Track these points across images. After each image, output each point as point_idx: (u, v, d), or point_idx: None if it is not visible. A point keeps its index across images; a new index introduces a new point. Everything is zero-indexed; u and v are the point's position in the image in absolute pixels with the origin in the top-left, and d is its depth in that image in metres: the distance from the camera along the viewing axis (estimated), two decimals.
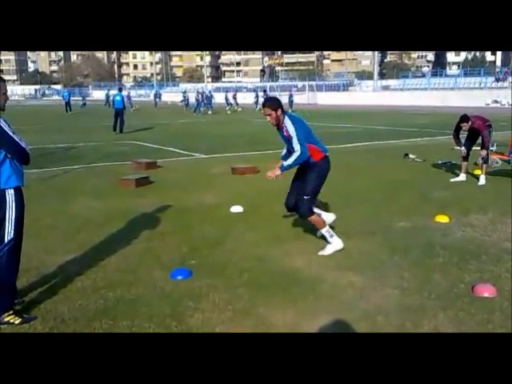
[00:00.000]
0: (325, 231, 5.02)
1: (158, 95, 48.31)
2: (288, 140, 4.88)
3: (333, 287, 4.19)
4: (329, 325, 3.51)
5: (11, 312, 3.59)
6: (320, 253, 4.97)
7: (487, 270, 4.50)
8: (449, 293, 4.03)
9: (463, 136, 8.94)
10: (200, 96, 35.29)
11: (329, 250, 5.00)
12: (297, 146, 4.75)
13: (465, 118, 8.50)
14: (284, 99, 39.75)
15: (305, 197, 4.90)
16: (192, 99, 38.19)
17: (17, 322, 3.56)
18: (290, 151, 4.91)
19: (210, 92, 38.76)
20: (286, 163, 4.84)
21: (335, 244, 5.01)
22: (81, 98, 47.18)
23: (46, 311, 3.76)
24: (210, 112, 34.21)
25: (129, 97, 38.06)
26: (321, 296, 4.01)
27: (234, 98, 38.92)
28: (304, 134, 4.82)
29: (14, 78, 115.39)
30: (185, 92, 42.42)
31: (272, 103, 4.85)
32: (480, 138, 8.68)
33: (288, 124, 4.80)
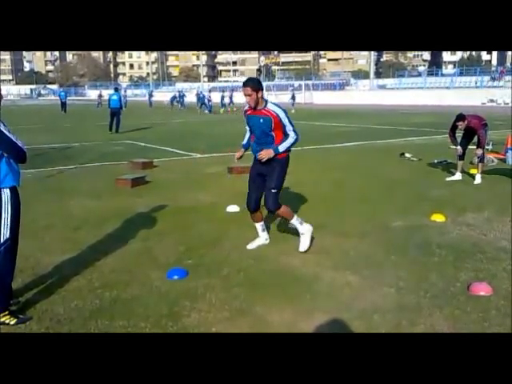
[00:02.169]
0: (295, 220, 4.97)
1: (151, 95, 48.17)
2: (262, 128, 4.72)
3: (329, 286, 4.20)
4: (325, 324, 3.51)
5: (7, 312, 3.58)
6: (301, 249, 4.91)
7: (483, 269, 4.51)
8: (445, 291, 4.04)
9: (459, 135, 8.96)
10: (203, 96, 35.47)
11: (307, 241, 4.95)
12: (292, 133, 4.71)
13: (461, 117, 8.52)
14: (285, 98, 39.16)
15: (273, 190, 4.80)
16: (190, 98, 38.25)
17: (12, 322, 3.55)
18: (260, 139, 4.81)
19: (201, 92, 38.83)
20: (281, 146, 4.70)
21: (307, 231, 4.97)
22: (97, 98, 46.31)
23: (41, 311, 3.75)
24: (206, 111, 34.49)
25: (124, 96, 38.05)
26: (317, 295, 4.01)
27: (230, 97, 38.86)
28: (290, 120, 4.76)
29: (10, 77, 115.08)
30: (181, 91, 42.58)
31: (254, 83, 4.67)
32: (476, 136, 8.71)
33: (277, 110, 4.70)
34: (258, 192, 4.98)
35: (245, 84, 4.68)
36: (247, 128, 5.06)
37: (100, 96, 44.93)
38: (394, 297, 3.97)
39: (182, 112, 36.06)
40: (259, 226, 5.19)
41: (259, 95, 4.66)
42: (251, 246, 5.17)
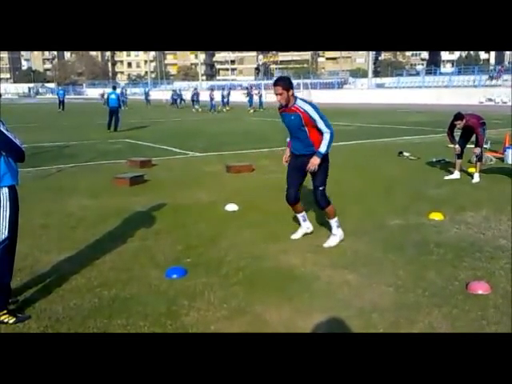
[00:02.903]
0: (334, 221, 5.20)
1: (148, 94, 47.99)
2: (294, 125, 4.86)
3: (328, 285, 4.20)
4: (324, 322, 3.52)
5: (5, 311, 3.57)
6: (326, 245, 5.12)
7: (481, 268, 4.51)
8: (443, 290, 4.05)
9: (457, 134, 8.97)
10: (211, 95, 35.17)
11: (333, 241, 5.17)
12: (324, 128, 4.81)
13: (459, 116, 8.53)
14: None
15: (320, 188, 5.05)
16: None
17: (11, 321, 3.54)
18: (294, 135, 4.98)
19: (194, 89, 38.79)
20: (322, 149, 4.82)
21: (339, 235, 5.22)
22: (100, 97, 46.04)
23: (40, 310, 3.74)
24: (197, 108, 34.50)
25: (122, 93, 38.19)
26: (316, 294, 4.02)
27: (227, 96, 38.69)
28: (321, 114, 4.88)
29: (8, 76, 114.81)
30: (174, 90, 42.83)
31: (284, 82, 4.79)
32: (474, 135, 8.72)
33: (305, 106, 4.80)
34: (296, 185, 5.19)
35: (275, 83, 4.80)
36: None
37: (102, 95, 44.79)
38: (392, 295, 3.98)
39: (178, 110, 35.97)
40: (300, 216, 5.41)
41: (290, 93, 4.77)
42: (295, 235, 5.39)
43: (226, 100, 37.46)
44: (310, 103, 4.94)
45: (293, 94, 4.81)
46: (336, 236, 5.20)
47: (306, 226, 5.45)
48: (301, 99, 4.92)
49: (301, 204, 5.40)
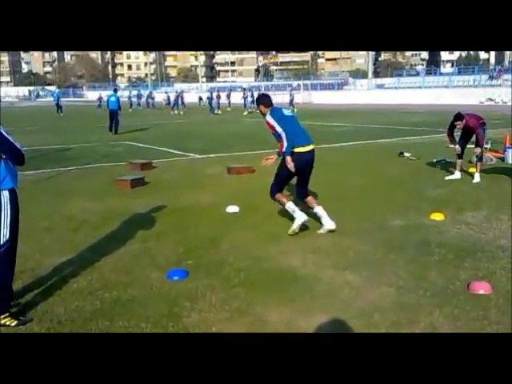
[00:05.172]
0: (287, 207, 5.60)
1: (149, 96, 47.66)
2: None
3: (329, 286, 4.20)
4: (325, 323, 3.52)
5: (7, 314, 3.58)
6: (290, 232, 5.51)
7: (482, 268, 4.51)
8: (444, 290, 4.05)
9: (457, 134, 8.97)
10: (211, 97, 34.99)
11: (295, 225, 5.54)
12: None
13: (459, 117, 8.53)
14: (285, 98, 38.86)
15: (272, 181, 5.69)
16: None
17: (13, 324, 3.55)
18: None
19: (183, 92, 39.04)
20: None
21: (299, 218, 5.53)
22: (97, 100, 45.40)
23: (42, 313, 3.75)
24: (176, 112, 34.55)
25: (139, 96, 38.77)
26: (317, 294, 4.02)
27: (218, 97, 38.61)
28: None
29: (8, 79, 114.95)
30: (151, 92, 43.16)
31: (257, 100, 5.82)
32: (474, 135, 8.72)
33: (270, 120, 5.48)
34: (302, 183, 5.82)
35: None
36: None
37: (100, 99, 44.11)
38: (393, 296, 3.98)
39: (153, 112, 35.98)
40: (318, 209, 5.73)
41: (260, 108, 5.70)
42: (321, 231, 5.64)
43: (218, 102, 37.37)
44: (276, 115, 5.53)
45: (266, 107, 5.56)
46: (296, 220, 5.53)
47: (325, 216, 5.67)
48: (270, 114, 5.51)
49: (312, 197, 5.85)
